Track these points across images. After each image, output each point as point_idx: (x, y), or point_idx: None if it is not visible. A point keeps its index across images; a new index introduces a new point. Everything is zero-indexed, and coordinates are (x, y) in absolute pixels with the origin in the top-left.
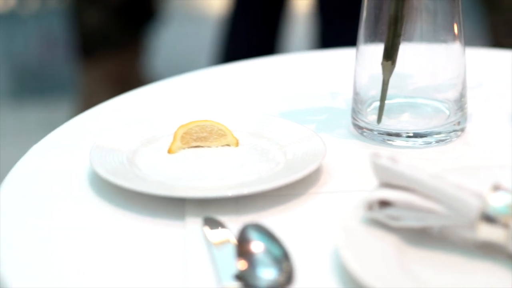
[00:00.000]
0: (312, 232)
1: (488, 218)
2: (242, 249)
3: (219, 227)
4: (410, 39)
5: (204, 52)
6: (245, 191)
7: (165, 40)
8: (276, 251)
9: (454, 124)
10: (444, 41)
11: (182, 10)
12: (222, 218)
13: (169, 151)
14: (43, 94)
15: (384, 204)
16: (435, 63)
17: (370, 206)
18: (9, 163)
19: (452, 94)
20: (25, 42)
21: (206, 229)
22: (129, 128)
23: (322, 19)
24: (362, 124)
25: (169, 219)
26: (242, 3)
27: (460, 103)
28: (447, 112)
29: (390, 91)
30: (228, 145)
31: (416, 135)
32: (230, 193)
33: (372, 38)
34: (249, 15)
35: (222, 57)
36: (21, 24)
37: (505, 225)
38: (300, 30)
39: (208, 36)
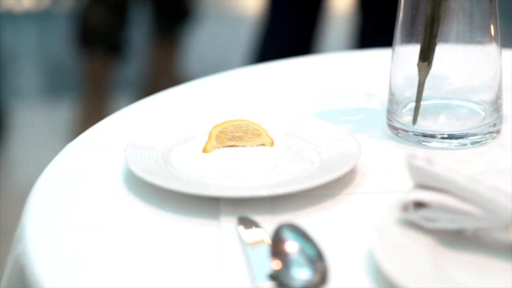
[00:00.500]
0: (347, 233)
1: None
2: (277, 249)
3: (254, 227)
4: (446, 40)
5: (239, 52)
6: (279, 191)
7: (200, 39)
8: (311, 251)
9: (490, 126)
10: (480, 42)
11: (217, 9)
12: (256, 218)
13: (204, 150)
14: (76, 92)
15: (419, 205)
16: (471, 64)
17: (405, 207)
18: (42, 161)
19: (488, 96)
20: (58, 41)
21: (241, 228)
22: (165, 127)
23: (363, 19)
24: (397, 125)
25: (204, 219)
26: (278, 2)
27: (495, 105)
28: (483, 114)
29: (425, 92)
30: (263, 144)
31: (451, 137)
32: (265, 192)
33: (408, 39)
34: (285, 14)
35: (257, 57)
36: (55, 22)
37: None
38: (337, 30)
39: (244, 36)
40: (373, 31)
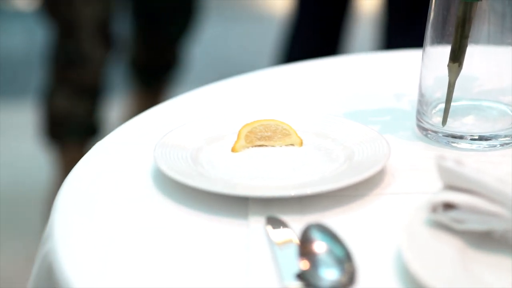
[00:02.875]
0: (375, 233)
1: None
2: (305, 249)
3: (282, 227)
4: (477, 41)
5: (267, 52)
6: (308, 191)
7: (227, 39)
8: (339, 252)
9: None
10: (511, 43)
11: (247, 10)
12: (285, 218)
13: (233, 150)
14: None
15: (448, 206)
16: (501, 65)
17: (434, 208)
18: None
19: None
20: None
21: (269, 228)
22: (193, 126)
23: (389, 20)
24: (426, 126)
25: (232, 218)
26: (306, 3)
27: None
28: None
29: (455, 93)
30: (292, 144)
31: (481, 138)
32: (293, 192)
33: (439, 39)
34: (312, 15)
35: (284, 57)
36: None
37: None
38: (364, 31)
39: (272, 36)
40: (399, 30)
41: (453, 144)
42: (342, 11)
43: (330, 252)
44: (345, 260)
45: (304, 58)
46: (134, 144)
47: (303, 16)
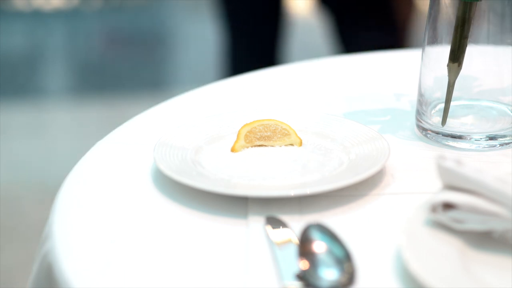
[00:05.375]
0: (375, 233)
1: None
2: (304, 249)
3: (282, 227)
4: (476, 41)
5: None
6: (308, 191)
7: None
8: (338, 252)
9: None
10: (511, 43)
11: None
12: (284, 218)
13: (233, 150)
14: (104, 91)
15: (448, 206)
16: (501, 65)
17: (434, 208)
18: (70, 159)
19: None
20: (87, 39)
21: (269, 228)
22: (193, 126)
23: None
24: (426, 126)
25: (232, 218)
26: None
27: None
28: None
29: (455, 93)
30: (291, 144)
31: (481, 138)
32: (293, 192)
33: (439, 39)
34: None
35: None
36: (84, 21)
37: None
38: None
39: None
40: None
41: (453, 144)
42: (274, 21)
43: (329, 252)
44: (344, 260)
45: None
46: (135, 143)
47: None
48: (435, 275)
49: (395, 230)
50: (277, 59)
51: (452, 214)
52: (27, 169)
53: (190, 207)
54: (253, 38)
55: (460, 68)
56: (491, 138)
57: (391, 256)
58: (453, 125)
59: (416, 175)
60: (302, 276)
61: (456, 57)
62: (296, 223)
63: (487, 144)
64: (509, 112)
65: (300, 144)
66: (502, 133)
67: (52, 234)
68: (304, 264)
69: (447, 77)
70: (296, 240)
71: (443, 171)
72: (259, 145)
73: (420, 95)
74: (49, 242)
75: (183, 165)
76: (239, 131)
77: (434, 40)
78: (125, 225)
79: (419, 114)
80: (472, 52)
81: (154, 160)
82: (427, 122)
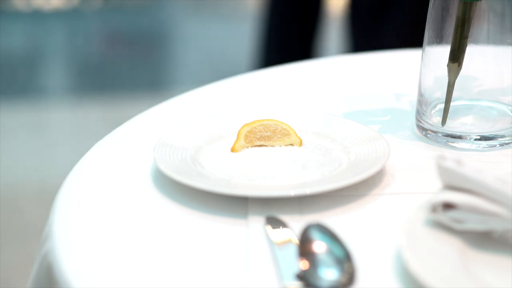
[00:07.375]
0: (375, 233)
1: None
2: (304, 249)
3: (282, 227)
4: (476, 41)
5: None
6: (308, 191)
7: (232, 38)
8: (338, 252)
9: None
10: (511, 43)
11: (247, 10)
12: (284, 218)
13: (233, 150)
14: (104, 91)
15: (448, 206)
16: (501, 65)
17: (434, 208)
18: (70, 159)
19: None
20: (87, 39)
21: (269, 228)
22: (193, 126)
23: (354, 21)
24: (426, 126)
25: (232, 218)
26: (277, 5)
27: None
28: None
29: (455, 93)
30: (291, 144)
31: (481, 138)
32: (293, 192)
33: (439, 39)
34: (285, 17)
35: (261, 60)
36: (84, 21)
37: None
38: (334, 31)
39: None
40: (364, 31)
41: (453, 144)
42: (314, 12)
43: (329, 252)
44: (344, 260)
45: (281, 60)
46: (135, 143)
47: (276, 18)
48: (435, 275)
49: (395, 230)
50: (314, 49)
51: (452, 214)
52: (27, 169)
53: (190, 207)
54: (289, 37)
55: (460, 68)
56: (491, 138)
57: (391, 256)
58: (453, 125)
59: (416, 175)
60: (302, 276)
61: (456, 57)
62: (296, 223)
63: (487, 144)
64: (509, 112)
65: (300, 144)
66: (502, 133)
67: (52, 234)
68: (304, 264)
69: (447, 77)
70: (296, 240)
71: (443, 171)
72: (259, 145)
73: (420, 95)
74: (49, 242)
75: (183, 165)
76: (239, 131)
77: (434, 40)
78: (125, 225)
79: (419, 114)
80: (472, 52)
81: (154, 160)
82: (427, 122)
